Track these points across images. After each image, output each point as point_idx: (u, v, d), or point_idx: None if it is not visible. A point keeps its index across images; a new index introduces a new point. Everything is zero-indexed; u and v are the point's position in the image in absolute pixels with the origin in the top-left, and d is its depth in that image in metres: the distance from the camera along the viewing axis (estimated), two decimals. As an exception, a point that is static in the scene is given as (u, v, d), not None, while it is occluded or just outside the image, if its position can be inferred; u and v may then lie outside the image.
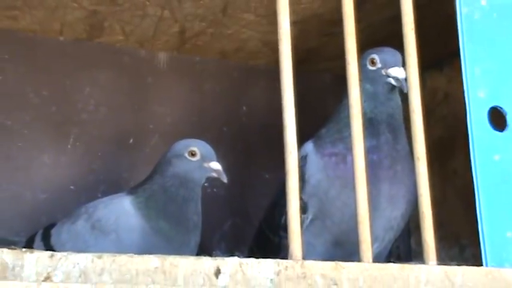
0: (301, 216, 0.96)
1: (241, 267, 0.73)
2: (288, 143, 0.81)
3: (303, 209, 0.97)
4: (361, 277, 0.78)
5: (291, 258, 0.77)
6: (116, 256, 0.68)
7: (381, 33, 1.23)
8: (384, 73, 0.99)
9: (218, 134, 1.38)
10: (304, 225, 0.98)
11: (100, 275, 0.66)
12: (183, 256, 0.71)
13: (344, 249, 0.96)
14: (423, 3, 1.14)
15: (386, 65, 0.99)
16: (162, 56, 1.37)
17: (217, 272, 0.72)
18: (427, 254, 0.84)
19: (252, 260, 0.73)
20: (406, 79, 0.89)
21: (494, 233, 0.87)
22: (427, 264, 0.83)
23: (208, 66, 1.40)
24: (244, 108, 1.41)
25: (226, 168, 1.38)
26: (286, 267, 0.75)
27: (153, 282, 0.68)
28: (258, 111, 1.42)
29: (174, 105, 1.37)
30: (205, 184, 1.33)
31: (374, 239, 0.98)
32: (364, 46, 1.06)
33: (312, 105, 1.33)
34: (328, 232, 0.98)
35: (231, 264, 0.72)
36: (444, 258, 1.24)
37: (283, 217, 0.96)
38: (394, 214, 0.98)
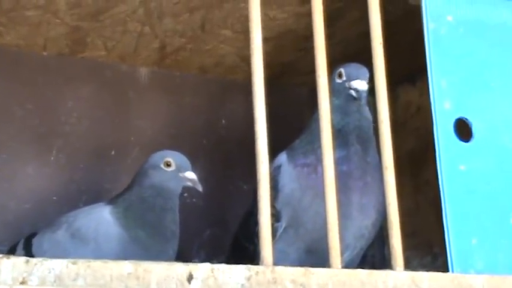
0: (274, 225, 1.00)
1: (213, 272, 0.75)
2: (259, 153, 0.84)
3: (277, 218, 1.01)
4: (330, 282, 0.80)
5: (262, 264, 0.80)
6: (90, 262, 0.70)
7: (353, 48, 1.26)
8: (347, 85, 1.03)
9: (197, 147, 1.41)
10: (278, 233, 1.01)
11: (74, 280, 0.69)
12: (156, 262, 0.74)
13: (317, 256, 0.99)
14: (395, 19, 1.18)
15: (350, 78, 1.03)
16: (143, 71, 1.40)
17: (190, 278, 0.74)
18: (394, 261, 0.87)
19: (223, 265, 0.76)
20: (366, 91, 0.94)
21: (460, 241, 0.90)
22: (395, 270, 0.86)
23: (188, 80, 1.43)
24: (223, 121, 1.45)
25: (205, 179, 1.41)
26: (257, 272, 0.77)
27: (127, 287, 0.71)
28: (236, 124, 1.45)
29: (154, 119, 1.40)
30: (185, 195, 1.38)
31: (345, 247, 1.02)
32: (338, 61, 1.10)
33: (288, 118, 1.36)
34: (301, 240, 1.01)
35: (203, 269, 0.75)
36: (417, 267, 1.28)
37: (258, 225, 0.99)
38: (365, 223, 1.01)
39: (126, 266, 0.72)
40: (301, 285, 0.78)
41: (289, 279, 0.78)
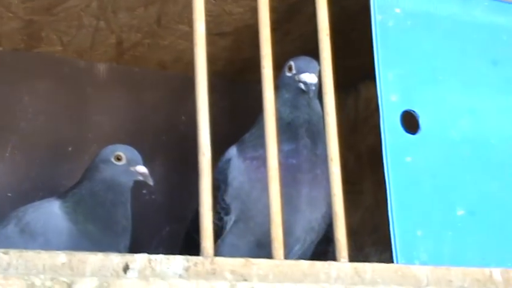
0: (224, 218, 1.00)
1: (150, 263, 0.75)
2: (201, 145, 0.84)
3: (226, 211, 1.01)
4: (271, 273, 0.80)
5: (202, 255, 0.79)
6: (22, 252, 0.70)
7: (311, 43, 1.26)
8: (297, 78, 1.03)
9: (157, 143, 1.40)
10: (228, 226, 1.01)
11: (6, 269, 0.68)
12: (92, 252, 0.73)
13: (268, 250, 0.98)
14: (354, 14, 1.19)
15: (299, 71, 1.03)
16: (101, 67, 1.39)
17: (126, 268, 0.74)
18: (338, 252, 0.87)
19: (161, 256, 0.76)
20: (315, 84, 0.94)
21: (405, 232, 0.91)
22: (339, 261, 0.86)
23: (147, 76, 1.43)
24: (182, 117, 1.44)
25: (165, 176, 1.41)
26: (196, 263, 0.77)
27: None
28: (196, 120, 1.44)
29: (113, 115, 1.39)
30: (144, 191, 1.37)
31: (295, 240, 1.02)
32: (296, 56, 1.10)
33: (251, 115, 1.36)
34: (251, 233, 1.01)
35: (139, 260, 0.75)
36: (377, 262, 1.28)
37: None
38: (315, 216, 1.01)
39: (60, 256, 0.71)
40: (241, 276, 0.78)
41: (228, 270, 0.78)
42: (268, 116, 0.88)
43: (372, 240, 1.44)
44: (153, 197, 1.36)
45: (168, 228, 1.38)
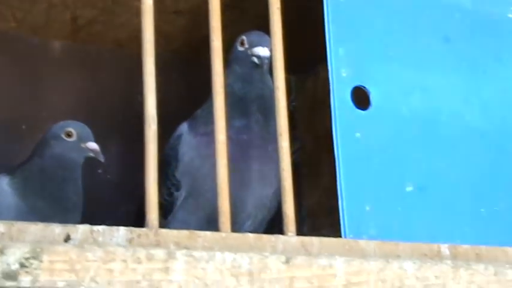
0: (175, 194, 0.99)
1: (92, 234, 0.74)
2: (147, 117, 0.84)
3: (177, 187, 1.00)
4: (216, 246, 0.79)
5: (146, 227, 0.79)
6: (-41, 220, 0.68)
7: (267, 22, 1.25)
8: (250, 52, 1.02)
9: (113, 122, 1.39)
10: (178, 202, 1.01)
11: None
12: (33, 222, 0.72)
13: (217, 226, 0.98)
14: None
15: (252, 45, 1.03)
16: (56, 44, 1.37)
17: (67, 238, 0.72)
18: (286, 226, 0.86)
19: (103, 227, 0.75)
20: (268, 58, 0.93)
21: (354, 207, 0.90)
22: (286, 235, 0.86)
23: (104, 55, 1.41)
24: (139, 97, 1.42)
25: (121, 156, 1.40)
26: (140, 235, 0.76)
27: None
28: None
29: (68, 93, 1.38)
30: (99, 171, 1.36)
31: (247, 216, 1.02)
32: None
33: (207, 92, 1.35)
34: (201, 209, 1.00)
35: (81, 231, 0.73)
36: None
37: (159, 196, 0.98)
38: (266, 192, 1.01)
39: (-2, 226, 0.70)
40: (185, 247, 0.77)
41: (173, 241, 0.77)
42: (217, 89, 0.88)
43: (329, 222, 1.44)
44: (108, 176, 1.35)
45: (124, 208, 1.37)
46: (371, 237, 0.89)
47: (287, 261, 0.66)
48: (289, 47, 1.24)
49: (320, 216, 1.47)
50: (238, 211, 1.00)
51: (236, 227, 0.91)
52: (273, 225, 1.09)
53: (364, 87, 0.95)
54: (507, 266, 0.76)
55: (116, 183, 1.37)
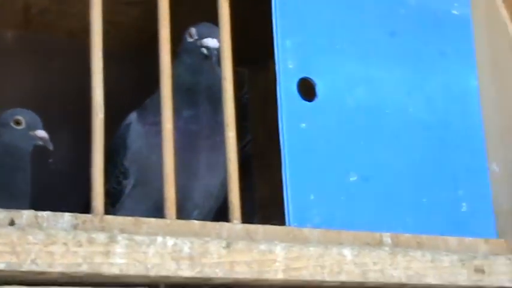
0: (123, 182, 1.00)
1: (36, 219, 0.74)
2: (95, 105, 0.84)
3: (125, 175, 1.01)
4: (161, 232, 0.80)
5: (92, 213, 0.79)
6: None
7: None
8: (199, 44, 1.04)
9: (65, 112, 1.39)
10: (126, 190, 1.01)
11: None
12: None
13: (165, 215, 0.99)
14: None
15: (201, 36, 1.04)
16: (9, 34, 1.37)
17: (11, 223, 0.73)
18: (231, 214, 0.88)
19: (48, 213, 0.75)
20: (217, 49, 0.94)
21: (298, 196, 0.92)
22: (232, 222, 0.87)
23: (57, 45, 1.41)
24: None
25: (72, 145, 1.40)
26: (85, 221, 0.77)
27: None
28: (106, 91, 1.43)
29: (20, 83, 1.37)
30: (50, 160, 1.36)
31: (194, 206, 1.03)
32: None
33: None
34: (149, 198, 1.01)
35: (26, 216, 0.74)
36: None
37: (106, 184, 0.99)
38: (213, 182, 1.03)
39: None
40: (130, 234, 0.78)
41: (118, 228, 0.78)
42: (164, 79, 0.89)
43: (280, 213, 1.46)
44: (59, 166, 1.35)
45: (75, 198, 1.37)
46: (315, 226, 0.91)
47: (228, 246, 0.67)
48: (241, 40, 1.26)
49: (271, 207, 1.48)
50: (186, 200, 1.02)
51: (184, 216, 0.92)
52: (222, 214, 1.10)
53: (310, 78, 0.97)
54: (443, 253, 0.79)
55: (67, 173, 1.37)
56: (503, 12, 1.08)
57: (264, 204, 1.51)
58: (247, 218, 1.44)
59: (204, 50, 1.03)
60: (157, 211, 1.02)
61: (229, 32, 0.93)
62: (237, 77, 1.55)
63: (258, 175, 1.55)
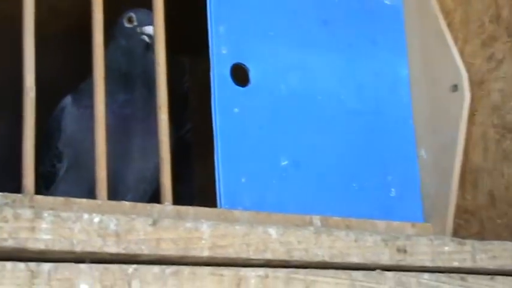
0: (57, 165, 1.01)
1: (-37, 199, 0.75)
2: (26, 86, 0.85)
3: (59, 159, 1.02)
4: (93, 213, 0.81)
5: (22, 193, 0.80)
6: None
7: None
8: (139, 31, 1.04)
9: (2, 100, 1.38)
10: (61, 173, 1.02)
11: None
12: None
13: (99, 198, 1.00)
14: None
15: (141, 23, 1.05)
16: None
17: None
18: (163, 195, 0.89)
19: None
20: None
21: (230, 179, 0.94)
22: (163, 204, 0.89)
23: (-4, 29, 1.40)
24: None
25: (9, 132, 1.39)
26: (14, 200, 0.78)
27: None
28: (44, 78, 1.43)
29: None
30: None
31: (127, 189, 1.04)
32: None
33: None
34: (83, 180, 1.02)
35: (-48, 196, 0.74)
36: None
37: (41, 167, 0.99)
38: (148, 165, 1.04)
39: None
40: (60, 213, 0.79)
41: (48, 208, 0.79)
42: (97, 62, 0.90)
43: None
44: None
45: (13, 184, 1.37)
46: (246, 208, 0.93)
47: (154, 224, 0.68)
48: (182, 29, 1.27)
49: (210, 194, 1.50)
50: (119, 183, 1.03)
51: (118, 198, 0.93)
52: (157, 198, 1.12)
53: (243, 64, 0.99)
54: (367, 233, 0.81)
55: (4, 159, 1.37)
56: (434, 3, 1.11)
57: (203, 191, 1.52)
58: (186, 205, 1.46)
59: (146, 38, 1.04)
60: (91, 194, 1.03)
61: (163, 17, 0.94)
62: (178, 66, 1.58)
63: (197, 163, 1.56)
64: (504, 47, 1.04)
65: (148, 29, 1.05)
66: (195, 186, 1.56)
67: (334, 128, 1.04)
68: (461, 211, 1.06)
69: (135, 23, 1.06)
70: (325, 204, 1.00)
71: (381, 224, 1.02)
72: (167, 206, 0.88)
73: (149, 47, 1.05)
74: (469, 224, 1.06)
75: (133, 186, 1.04)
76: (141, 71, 1.05)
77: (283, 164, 0.98)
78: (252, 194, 0.95)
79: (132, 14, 1.07)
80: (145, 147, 1.03)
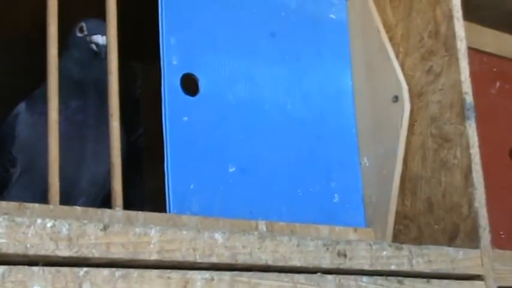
0: (10, 171, 1.03)
1: None
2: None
3: (13, 164, 1.04)
4: (46, 217, 0.84)
5: (-27, 199, 0.82)
6: None
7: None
8: (88, 39, 1.07)
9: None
10: (14, 178, 1.04)
11: None
12: None
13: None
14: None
15: (90, 33, 1.08)
16: None
17: None
18: (113, 200, 0.92)
19: None
20: (106, 46, 0.99)
21: (179, 185, 0.98)
22: (114, 209, 0.92)
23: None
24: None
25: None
26: (-37, 205, 0.80)
27: None
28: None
29: None
30: None
31: (80, 192, 1.07)
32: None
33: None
34: (36, 185, 1.04)
35: None
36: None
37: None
38: (100, 170, 1.07)
39: None
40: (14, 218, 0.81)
41: (2, 212, 0.82)
42: (51, 70, 0.92)
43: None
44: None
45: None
46: (194, 213, 0.97)
47: (104, 229, 0.71)
48: (135, 35, 1.30)
49: (160, 198, 1.53)
50: (72, 187, 1.06)
51: (70, 203, 0.96)
52: (108, 203, 1.14)
53: (193, 74, 1.02)
54: (308, 238, 0.85)
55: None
56: (377, 18, 1.16)
57: (154, 195, 1.55)
58: (137, 209, 1.49)
59: (94, 47, 1.07)
60: (44, 199, 1.05)
61: (116, 27, 0.97)
62: (130, 71, 1.60)
63: (148, 168, 1.59)
64: (442, 61, 1.09)
65: (97, 38, 1.07)
66: (146, 190, 1.58)
67: (280, 137, 1.08)
68: (401, 217, 1.11)
69: (85, 32, 1.09)
70: (271, 210, 1.04)
71: (324, 228, 1.06)
72: (118, 211, 0.91)
73: (97, 56, 1.07)
74: (408, 229, 1.10)
75: (85, 190, 1.07)
76: (93, 78, 1.08)
77: (230, 170, 1.02)
78: (200, 199, 0.98)
79: (83, 24, 1.10)
80: (98, 152, 1.06)
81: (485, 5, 1.41)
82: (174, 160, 0.98)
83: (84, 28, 1.09)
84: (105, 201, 1.14)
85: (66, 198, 0.92)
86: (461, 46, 1.08)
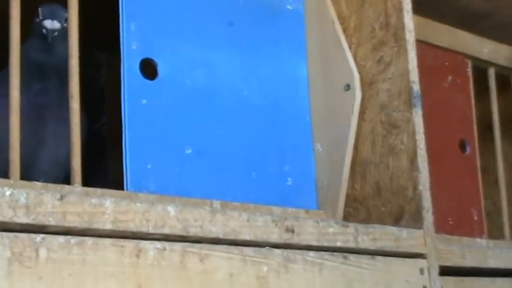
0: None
1: None
2: None
3: None
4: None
5: None
6: None
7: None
8: (42, 24, 1.11)
9: None
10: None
11: None
12: None
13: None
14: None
15: (44, 17, 1.11)
16: None
17: None
18: (72, 178, 0.96)
19: None
20: (56, 30, 1.04)
21: (136, 165, 1.02)
22: (73, 186, 0.95)
23: None
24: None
25: None
26: None
27: None
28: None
29: None
30: None
31: (40, 173, 1.10)
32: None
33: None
34: None
35: None
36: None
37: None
38: (61, 152, 1.10)
39: None
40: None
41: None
42: (13, 51, 0.96)
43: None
44: None
45: None
46: (151, 192, 1.01)
47: (61, 198, 0.75)
48: (100, 24, 1.33)
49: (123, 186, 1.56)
50: (33, 168, 1.09)
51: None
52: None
53: (152, 59, 1.06)
54: (258, 214, 0.89)
55: None
56: (331, 10, 1.21)
57: (117, 184, 1.58)
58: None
59: (44, 31, 1.11)
60: (6, 177, 1.09)
61: (77, 11, 1.00)
62: (95, 61, 1.63)
63: (111, 156, 1.62)
64: (392, 51, 1.14)
65: (46, 23, 1.11)
66: (109, 178, 1.62)
67: (236, 121, 1.12)
68: (350, 200, 1.16)
69: (40, 17, 1.13)
70: (226, 191, 1.08)
71: (276, 210, 1.11)
72: (77, 187, 0.95)
73: (46, 40, 1.10)
74: (357, 212, 1.16)
75: (46, 171, 1.10)
76: (54, 62, 1.11)
77: (187, 152, 1.06)
78: (157, 179, 1.02)
79: (40, 9, 1.13)
80: (58, 133, 1.09)
81: (440, 1, 1.47)
82: (132, 140, 1.02)
83: (40, 13, 1.13)
84: (66, 183, 1.18)
85: (27, 179, 0.95)
86: (410, 37, 1.13)
